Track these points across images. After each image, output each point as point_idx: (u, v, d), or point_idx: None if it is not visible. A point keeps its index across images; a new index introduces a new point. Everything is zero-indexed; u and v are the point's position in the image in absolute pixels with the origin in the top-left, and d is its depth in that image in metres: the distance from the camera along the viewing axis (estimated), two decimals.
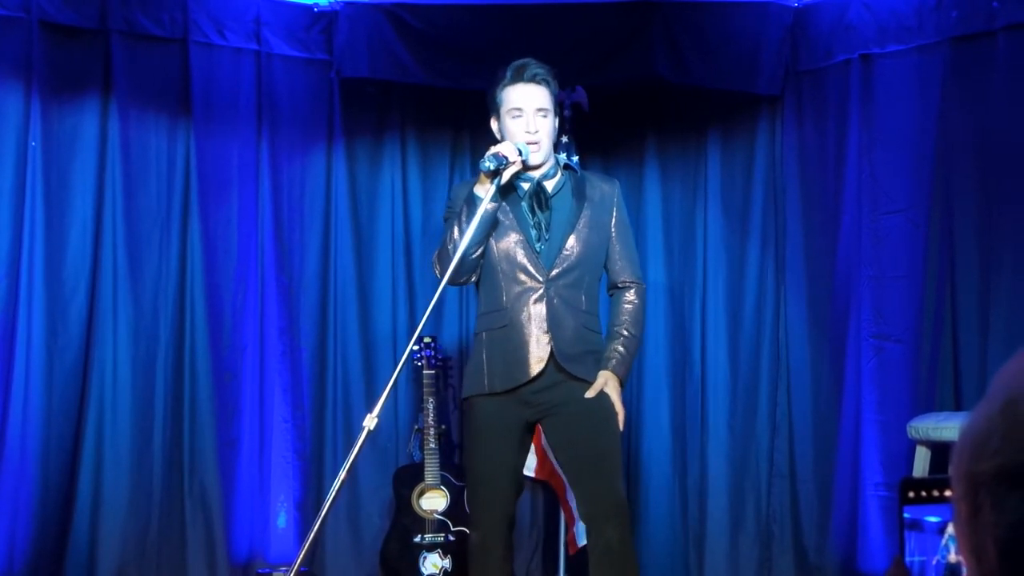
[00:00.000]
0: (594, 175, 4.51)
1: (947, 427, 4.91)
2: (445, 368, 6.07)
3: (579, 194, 4.31)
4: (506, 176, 4.18)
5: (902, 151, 5.47)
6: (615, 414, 4.21)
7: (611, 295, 4.38)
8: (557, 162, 4.36)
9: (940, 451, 5.05)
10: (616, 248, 4.33)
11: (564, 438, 4.30)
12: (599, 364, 4.25)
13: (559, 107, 4.42)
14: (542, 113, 4.29)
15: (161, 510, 5.62)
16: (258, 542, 5.84)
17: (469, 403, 4.35)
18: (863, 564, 5.43)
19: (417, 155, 6.25)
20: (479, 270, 4.31)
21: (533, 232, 4.25)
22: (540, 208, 4.27)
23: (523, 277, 4.25)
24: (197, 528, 5.68)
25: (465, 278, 4.35)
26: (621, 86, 5.87)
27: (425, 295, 6.11)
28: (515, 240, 4.26)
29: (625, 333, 4.29)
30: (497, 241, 4.26)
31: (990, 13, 5.18)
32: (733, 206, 6.07)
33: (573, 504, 5.34)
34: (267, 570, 5.72)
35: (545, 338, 4.21)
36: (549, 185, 4.30)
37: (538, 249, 4.23)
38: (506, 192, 4.26)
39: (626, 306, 4.32)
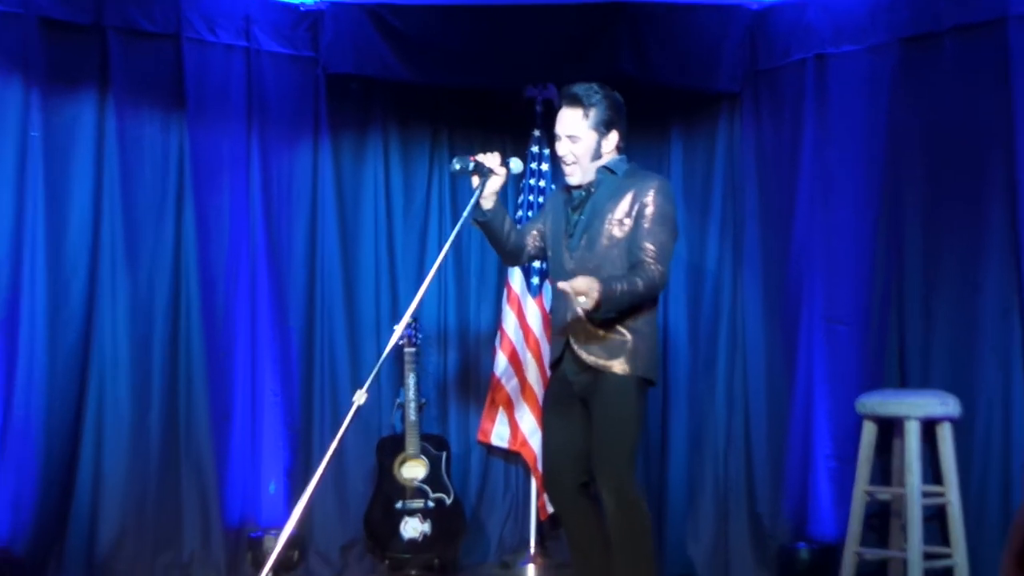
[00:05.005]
0: (636, 174, 4.22)
1: (893, 403, 4.84)
2: (425, 346, 5.91)
3: (611, 196, 4.13)
4: (490, 187, 4.12)
5: (854, 147, 5.30)
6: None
7: None
8: (604, 167, 4.21)
9: (886, 425, 4.95)
10: (635, 236, 4.07)
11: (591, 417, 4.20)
12: (612, 352, 4.06)
13: (604, 119, 4.15)
14: (572, 139, 4.16)
15: (158, 479, 5.41)
16: (250, 507, 5.63)
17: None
18: (813, 530, 5.30)
19: (398, 148, 6.07)
20: (539, 250, 4.36)
21: (563, 235, 4.20)
22: (573, 211, 4.20)
23: (557, 269, 4.22)
24: (192, 495, 5.47)
25: (513, 261, 4.51)
26: (588, 83, 5.58)
27: (406, 279, 6.03)
28: (554, 237, 4.25)
29: (618, 279, 3.97)
30: (548, 235, 4.29)
31: (938, 14, 5.03)
32: (694, 197, 5.85)
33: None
34: (259, 533, 5.51)
35: (564, 327, 4.16)
36: (590, 192, 4.19)
37: (566, 246, 4.17)
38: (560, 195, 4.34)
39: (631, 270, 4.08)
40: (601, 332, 4.07)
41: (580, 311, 3.96)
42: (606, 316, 3.98)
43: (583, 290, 3.79)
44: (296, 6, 5.68)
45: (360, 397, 3.80)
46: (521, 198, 5.76)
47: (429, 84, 5.71)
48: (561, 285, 3.88)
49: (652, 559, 4.16)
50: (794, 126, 5.45)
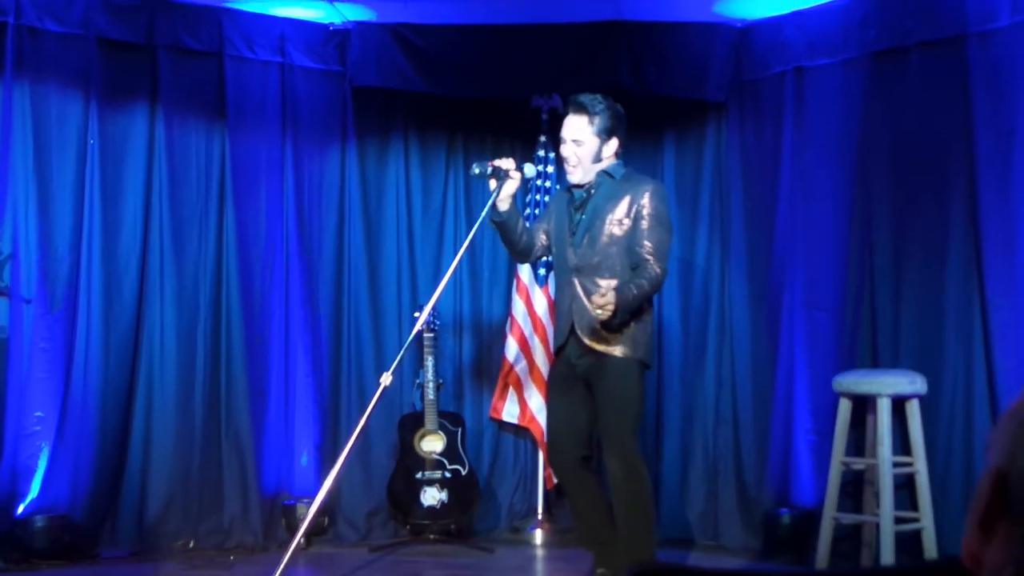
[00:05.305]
0: (632, 178, 4.39)
1: (866, 382, 4.94)
2: (442, 332, 6.02)
3: (609, 198, 4.28)
4: (507, 190, 4.23)
5: (829, 150, 5.38)
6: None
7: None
8: (603, 171, 4.36)
9: (860, 402, 5.05)
10: (634, 237, 4.25)
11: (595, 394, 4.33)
12: (614, 338, 4.21)
13: (606, 126, 4.32)
14: (576, 143, 4.29)
15: (202, 452, 5.56)
16: (284, 478, 5.76)
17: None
18: (795, 497, 5.40)
19: (418, 153, 6.17)
20: (547, 249, 4.48)
21: (566, 232, 4.30)
22: (575, 211, 4.34)
23: (561, 263, 4.33)
24: (232, 467, 5.61)
25: (523, 259, 4.63)
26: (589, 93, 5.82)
27: (425, 271, 6.13)
28: (558, 233, 4.36)
29: (627, 284, 4.17)
30: (552, 232, 4.40)
31: (905, 32, 5.10)
32: (685, 197, 5.96)
33: None
34: (292, 501, 5.66)
35: (569, 315, 4.28)
36: (590, 193, 4.32)
37: (569, 243, 4.29)
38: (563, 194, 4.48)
39: (635, 272, 4.24)
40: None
41: (598, 321, 4.10)
42: (621, 320, 4.13)
43: (601, 304, 3.98)
44: (326, 26, 5.76)
45: (386, 379, 3.94)
46: (528, 197, 5.85)
47: (445, 95, 5.82)
48: (593, 312, 4.05)
49: (653, 521, 4.36)
50: (775, 132, 5.52)
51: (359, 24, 5.75)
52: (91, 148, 5.28)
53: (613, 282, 4.20)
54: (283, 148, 5.77)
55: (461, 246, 5.87)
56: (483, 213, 4.24)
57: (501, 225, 4.35)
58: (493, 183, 4.25)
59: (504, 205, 4.29)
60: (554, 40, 5.66)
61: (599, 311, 4.01)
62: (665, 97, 5.75)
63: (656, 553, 4.42)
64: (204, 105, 5.59)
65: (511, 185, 4.24)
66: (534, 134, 5.97)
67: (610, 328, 4.17)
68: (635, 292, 4.12)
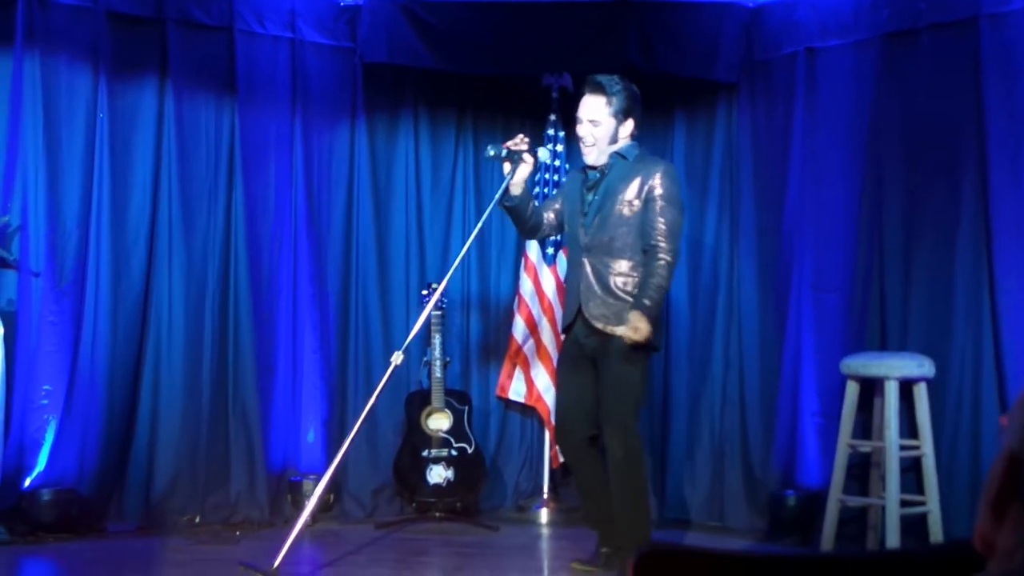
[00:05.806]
0: (644, 159, 4.39)
1: (874, 364, 4.91)
2: (450, 310, 6.02)
3: (622, 179, 4.28)
4: (520, 175, 4.23)
5: (840, 131, 5.36)
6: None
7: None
8: (616, 153, 4.36)
9: (868, 385, 5.03)
10: (646, 218, 4.25)
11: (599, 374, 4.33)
12: (622, 318, 4.22)
13: (623, 107, 4.33)
14: (593, 123, 4.29)
15: (209, 428, 5.54)
16: (291, 454, 5.76)
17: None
18: (801, 479, 5.39)
19: (427, 129, 6.16)
20: (554, 227, 4.51)
21: (579, 213, 4.32)
22: (588, 191, 4.34)
23: (573, 243, 4.35)
24: (239, 442, 5.59)
25: (535, 235, 4.67)
26: (600, 73, 5.80)
27: (433, 248, 6.13)
28: (570, 213, 4.37)
29: (645, 292, 4.20)
30: (565, 211, 4.41)
31: (916, 13, 5.09)
32: (695, 177, 5.93)
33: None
34: (298, 478, 5.66)
35: (577, 294, 4.31)
36: (603, 174, 4.33)
37: (581, 223, 4.30)
38: (578, 174, 4.49)
39: (646, 269, 4.24)
40: (611, 300, 4.26)
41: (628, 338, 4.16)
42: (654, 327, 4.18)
43: (633, 337, 4.06)
44: (336, 1, 5.76)
45: (397, 358, 3.98)
46: (537, 176, 5.82)
47: (455, 72, 5.81)
48: (628, 336, 4.11)
49: (648, 500, 4.40)
50: (786, 113, 5.50)
51: (370, 0, 5.74)
52: (100, 122, 5.26)
53: (630, 273, 4.23)
54: (293, 124, 5.75)
55: (470, 222, 5.92)
56: (495, 198, 4.25)
57: (512, 209, 4.36)
58: (507, 166, 4.24)
59: (517, 190, 4.29)
60: (565, 18, 5.64)
61: (635, 336, 4.08)
62: (676, 77, 5.73)
63: (651, 532, 4.45)
64: (214, 80, 5.56)
65: (524, 169, 4.25)
66: (544, 113, 5.97)
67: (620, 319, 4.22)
68: (654, 297, 4.17)
